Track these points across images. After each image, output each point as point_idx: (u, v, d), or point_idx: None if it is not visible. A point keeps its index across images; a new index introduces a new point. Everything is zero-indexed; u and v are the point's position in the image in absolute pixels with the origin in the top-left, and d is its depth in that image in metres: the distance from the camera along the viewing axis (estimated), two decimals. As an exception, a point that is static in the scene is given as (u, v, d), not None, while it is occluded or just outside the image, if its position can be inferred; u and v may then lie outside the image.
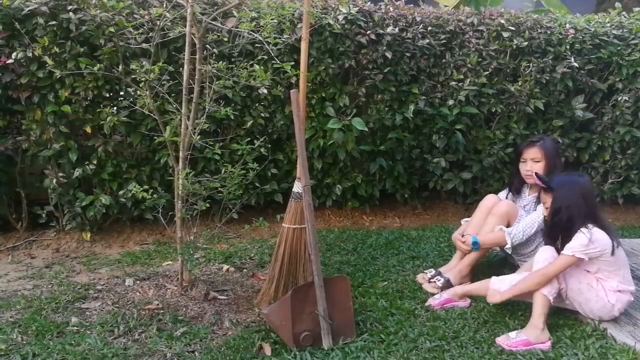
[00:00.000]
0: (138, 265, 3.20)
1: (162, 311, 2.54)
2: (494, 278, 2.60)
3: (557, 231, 2.52)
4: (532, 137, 3.20)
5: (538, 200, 3.00)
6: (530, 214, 2.99)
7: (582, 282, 2.46)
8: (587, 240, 2.37)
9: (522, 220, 2.95)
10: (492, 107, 4.07)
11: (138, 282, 2.89)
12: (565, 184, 2.52)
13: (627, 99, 4.20)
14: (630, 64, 4.17)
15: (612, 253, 2.41)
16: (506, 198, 3.20)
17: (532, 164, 3.00)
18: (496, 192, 3.35)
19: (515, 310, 2.66)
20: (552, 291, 2.42)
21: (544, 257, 2.48)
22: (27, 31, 3.13)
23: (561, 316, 2.57)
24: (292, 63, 2.66)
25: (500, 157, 4.14)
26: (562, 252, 2.42)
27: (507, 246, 2.89)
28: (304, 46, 2.64)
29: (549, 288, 2.42)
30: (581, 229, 2.41)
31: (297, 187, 2.64)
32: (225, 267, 3.15)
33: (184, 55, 2.52)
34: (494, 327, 2.51)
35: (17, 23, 3.08)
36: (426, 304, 2.73)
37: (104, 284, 2.88)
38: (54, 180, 3.36)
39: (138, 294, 2.73)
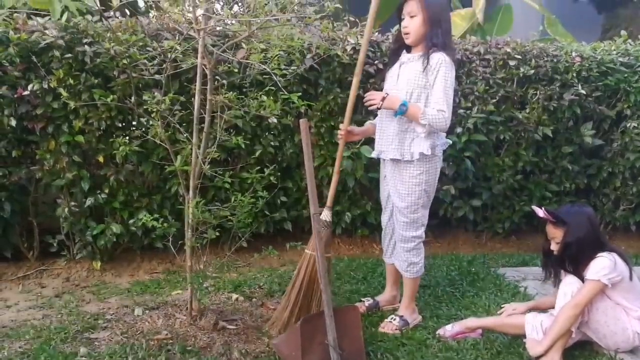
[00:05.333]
0: (147, 294, 3.20)
1: (171, 341, 2.52)
2: (527, 326, 2.46)
3: (565, 263, 2.49)
4: None
5: (426, 61, 2.59)
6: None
7: (609, 314, 2.39)
8: (612, 263, 2.32)
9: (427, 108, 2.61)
10: (500, 134, 4.07)
11: (147, 311, 2.88)
12: (575, 216, 2.48)
13: (635, 125, 4.19)
14: (638, 90, 4.17)
15: (631, 278, 2.38)
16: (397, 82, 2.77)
17: (408, 19, 2.65)
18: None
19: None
20: (576, 324, 2.35)
21: (572, 289, 2.38)
22: (43, 63, 3.21)
23: (576, 346, 2.51)
24: (300, 93, 2.69)
25: (510, 184, 4.13)
26: (586, 277, 2.35)
27: (423, 122, 2.60)
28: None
29: None
30: (600, 253, 2.37)
31: (325, 216, 2.65)
32: (235, 296, 3.13)
33: (195, 85, 2.57)
34: (508, 357, 2.46)
35: (33, 56, 3.16)
36: (436, 332, 2.69)
37: (113, 314, 2.87)
38: (66, 209, 3.40)
39: (147, 323, 2.72)
